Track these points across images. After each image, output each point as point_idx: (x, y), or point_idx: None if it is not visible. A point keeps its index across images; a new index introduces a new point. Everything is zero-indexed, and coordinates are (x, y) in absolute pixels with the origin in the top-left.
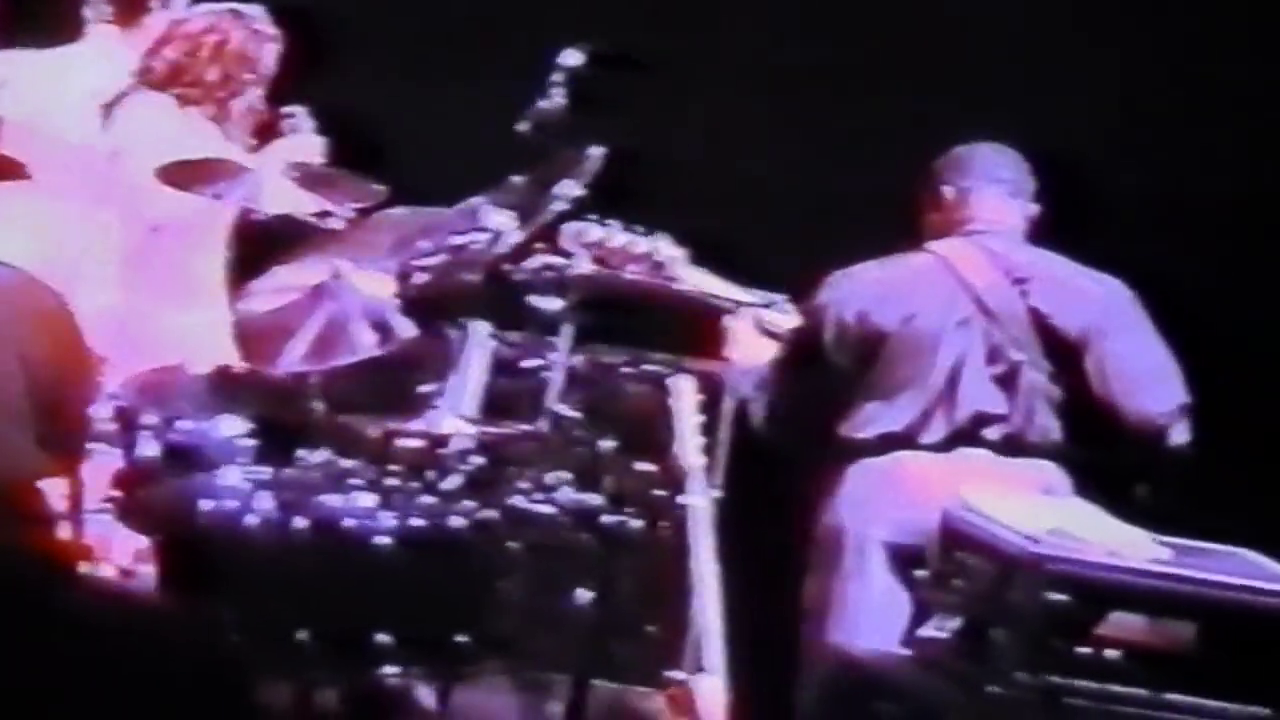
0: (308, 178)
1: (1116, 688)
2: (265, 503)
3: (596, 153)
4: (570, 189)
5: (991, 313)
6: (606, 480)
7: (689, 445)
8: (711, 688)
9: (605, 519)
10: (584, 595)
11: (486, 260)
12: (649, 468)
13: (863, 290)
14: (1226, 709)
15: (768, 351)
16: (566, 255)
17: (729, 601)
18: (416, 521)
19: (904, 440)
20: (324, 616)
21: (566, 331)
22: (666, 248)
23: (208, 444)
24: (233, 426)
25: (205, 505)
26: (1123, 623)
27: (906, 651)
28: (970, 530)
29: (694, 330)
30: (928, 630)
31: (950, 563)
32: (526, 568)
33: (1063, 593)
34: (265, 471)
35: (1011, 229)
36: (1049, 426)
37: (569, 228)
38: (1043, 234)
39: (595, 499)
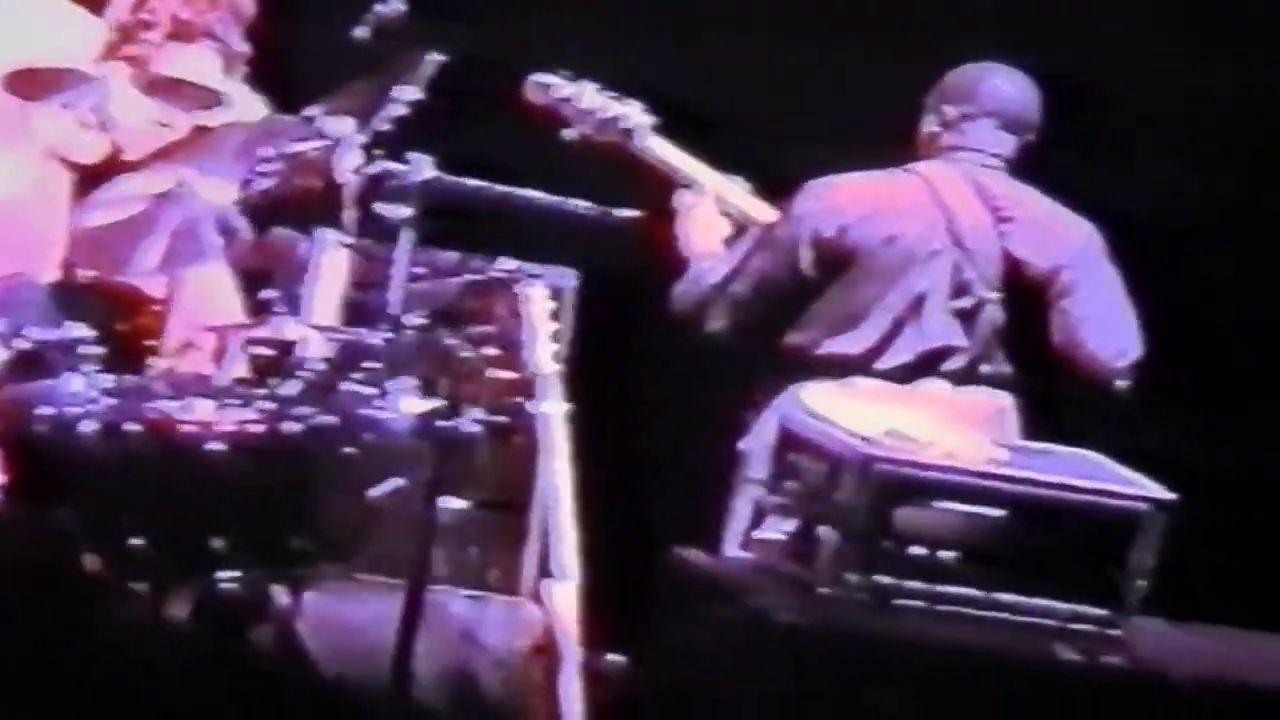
0: (153, 84)
1: (947, 588)
2: (105, 409)
3: (434, 58)
4: (408, 93)
5: (966, 247)
6: (453, 386)
7: (542, 353)
8: (563, 593)
9: (446, 424)
10: (419, 498)
11: (327, 166)
12: (500, 374)
13: (846, 205)
14: (1058, 608)
15: (723, 231)
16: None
17: (581, 508)
18: (254, 427)
19: (860, 364)
20: (160, 522)
21: (408, 238)
22: (636, 115)
23: (53, 351)
24: (78, 333)
25: (45, 411)
26: (956, 523)
27: (740, 553)
28: (804, 432)
29: (544, 237)
30: (763, 533)
31: (786, 465)
32: (363, 472)
33: (893, 493)
34: (108, 379)
35: (1001, 160)
36: (1002, 362)
37: (534, 79)
38: (1037, 161)
39: (436, 404)
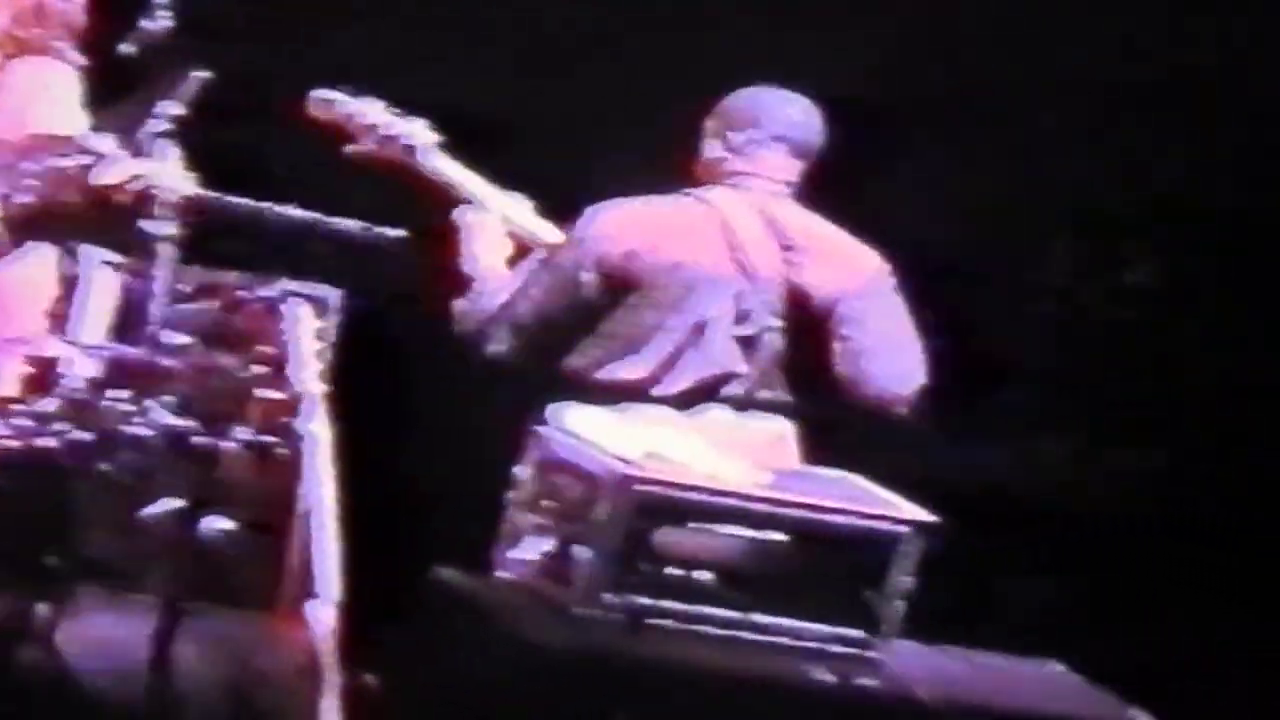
0: None
1: (704, 609)
2: None
3: (199, 75)
4: (170, 109)
5: (751, 274)
6: (213, 404)
7: (306, 372)
8: (325, 613)
9: (204, 442)
10: (176, 517)
11: (89, 182)
12: (268, 394)
13: (631, 230)
14: (814, 629)
15: (506, 251)
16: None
17: (344, 529)
18: (9, 443)
19: (640, 389)
20: None
21: (170, 255)
22: (420, 132)
23: None
24: None
25: None
26: (713, 545)
27: (500, 574)
28: (562, 451)
29: (313, 255)
30: (521, 553)
31: (543, 484)
32: (118, 489)
33: (649, 514)
34: None
35: (785, 187)
36: (783, 389)
37: (316, 94)
38: (820, 186)
39: (193, 423)
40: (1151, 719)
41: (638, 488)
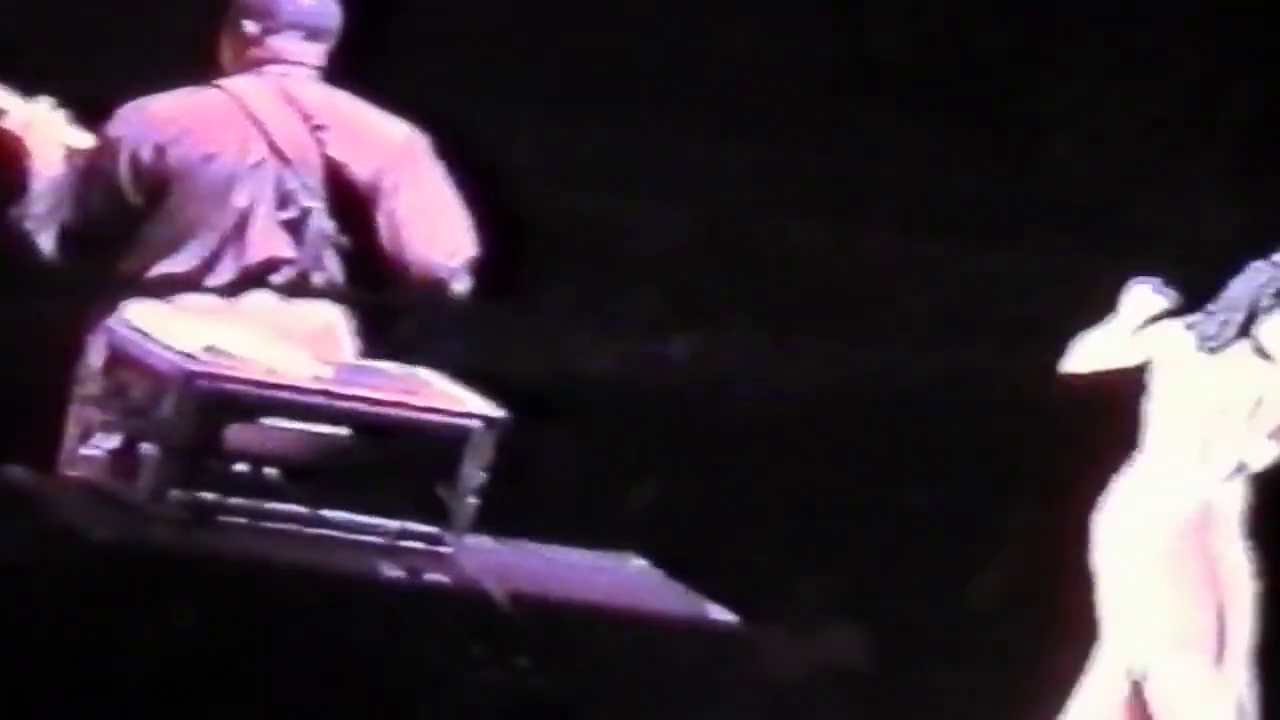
0: None
1: (272, 504)
2: None
3: None
4: None
5: (285, 157)
6: None
7: None
8: None
9: None
10: None
11: None
12: None
13: (159, 126)
14: (385, 525)
15: (56, 163)
16: None
17: None
18: None
19: (188, 283)
20: None
21: None
22: None
23: None
24: None
25: None
26: (281, 440)
27: (68, 472)
28: (128, 348)
29: None
30: (86, 449)
31: (109, 381)
32: None
33: (213, 410)
34: None
35: (308, 70)
36: (335, 272)
37: None
38: (343, 69)
39: None
40: (730, 614)
41: (201, 383)
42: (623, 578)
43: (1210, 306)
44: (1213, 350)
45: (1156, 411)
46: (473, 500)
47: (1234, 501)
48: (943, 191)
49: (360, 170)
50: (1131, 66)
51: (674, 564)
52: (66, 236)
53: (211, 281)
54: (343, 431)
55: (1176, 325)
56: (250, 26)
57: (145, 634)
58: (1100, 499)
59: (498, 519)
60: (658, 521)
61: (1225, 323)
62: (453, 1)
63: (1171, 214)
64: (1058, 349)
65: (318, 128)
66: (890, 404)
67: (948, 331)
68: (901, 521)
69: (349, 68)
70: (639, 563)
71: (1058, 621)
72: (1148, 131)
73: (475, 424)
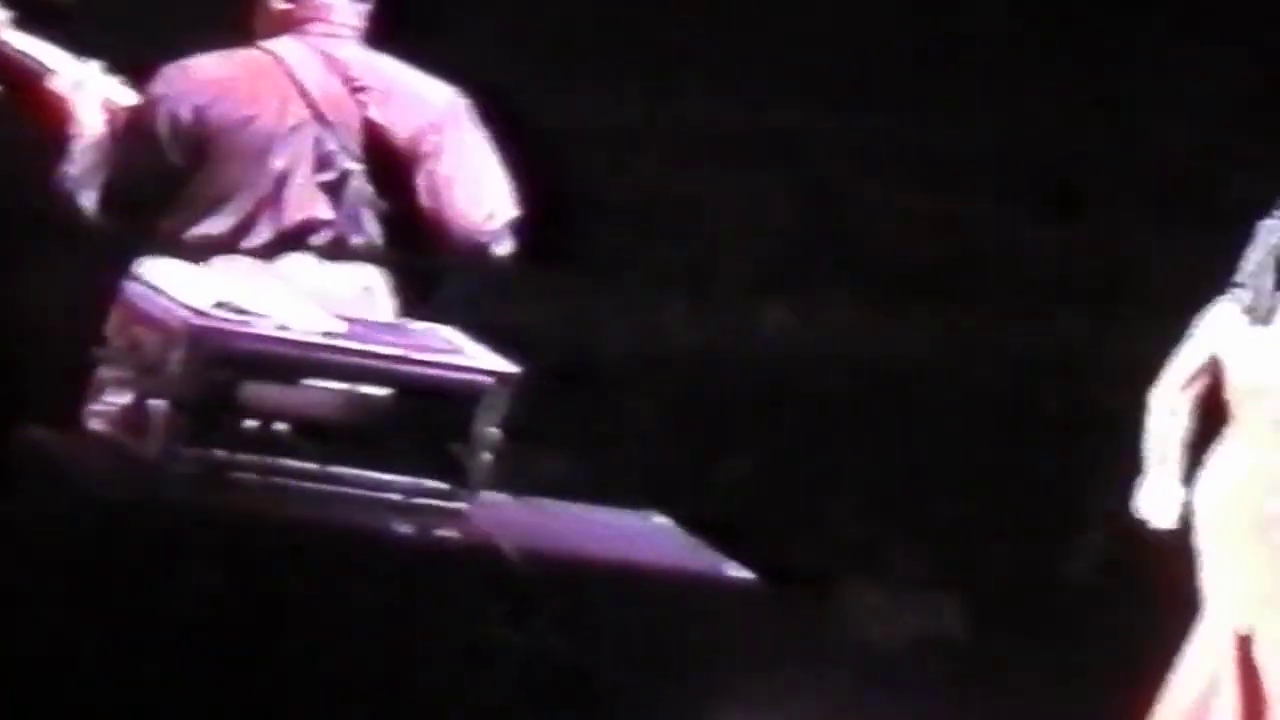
0: None
1: (284, 461)
2: None
3: None
4: None
5: (325, 119)
6: None
7: None
8: None
9: None
10: None
11: None
12: None
13: (199, 87)
14: (398, 482)
15: (93, 118)
16: None
17: None
18: None
19: (226, 245)
20: None
21: None
22: None
23: None
24: None
25: None
26: (294, 397)
27: (85, 429)
28: (140, 303)
29: None
30: (101, 406)
31: (125, 337)
32: None
33: (223, 365)
34: None
35: (349, 31)
36: (373, 234)
37: None
38: (383, 33)
39: None
40: (747, 571)
41: (208, 337)
42: (641, 535)
43: (1237, 278)
44: (1262, 321)
45: (1235, 394)
46: (487, 456)
47: None
48: (1037, 161)
49: (400, 133)
50: (1226, 39)
51: (764, 535)
52: (107, 196)
53: (249, 243)
54: (354, 388)
55: (1224, 309)
56: None
57: (159, 589)
58: (1195, 469)
59: (590, 486)
60: (751, 493)
61: (1259, 291)
62: None
63: (1266, 190)
64: (1156, 321)
65: (358, 90)
66: (987, 375)
67: (1045, 302)
68: (999, 492)
69: (395, 30)
70: (660, 519)
71: (1156, 594)
72: (1240, 104)
73: (488, 380)
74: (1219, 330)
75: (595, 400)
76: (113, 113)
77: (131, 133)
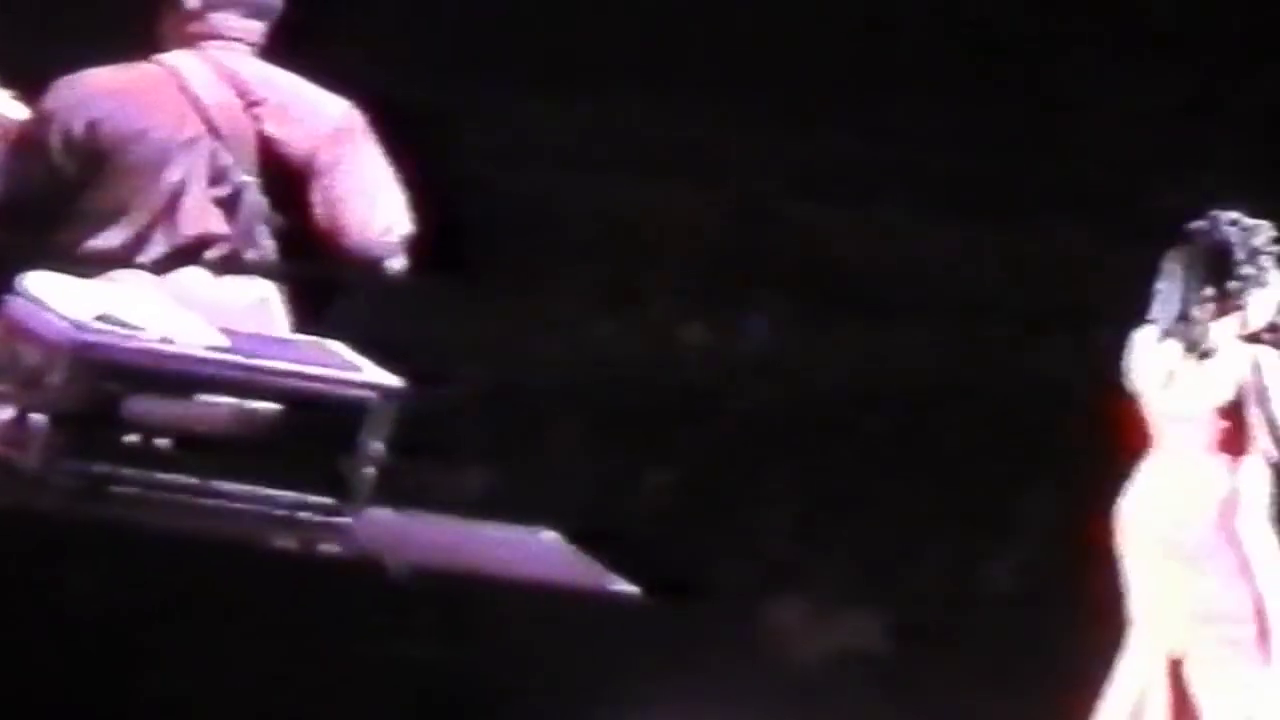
0: None
1: (165, 475)
2: None
3: None
4: None
5: (219, 133)
6: None
7: None
8: None
9: None
10: None
11: None
12: None
13: (93, 100)
14: (281, 496)
15: None
16: None
17: None
18: None
19: (120, 258)
20: None
21: None
22: None
23: None
24: None
25: None
26: (176, 410)
27: None
28: (21, 317)
29: None
30: None
31: (6, 351)
32: None
33: (104, 378)
34: None
35: (247, 46)
36: (268, 248)
37: None
38: (282, 46)
39: None
40: (634, 587)
41: (88, 351)
42: (528, 550)
43: (1152, 310)
44: (1192, 350)
45: (1157, 418)
46: (371, 471)
47: (1259, 488)
48: (966, 175)
49: (295, 146)
50: (1155, 49)
51: (689, 551)
52: (3, 209)
53: (144, 257)
54: (237, 402)
55: (1146, 334)
56: (192, 2)
57: (36, 602)
58: (1121, 486)
59: (508, 502)
60: (673, 508)
61: (1174, 320)
62: None
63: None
64: (1080, 335)
65: (253, 103)
66: (912, 389)
67: (971, 316)
68: (923, 506)
69: (305, 46)
70: (548, 534)
71: (1079, 608)
72: (1172, 116)
73: (371, 395)
74: (1142, 356)
75: (518, 415)
76: (6, 128)
77: (23, 146)
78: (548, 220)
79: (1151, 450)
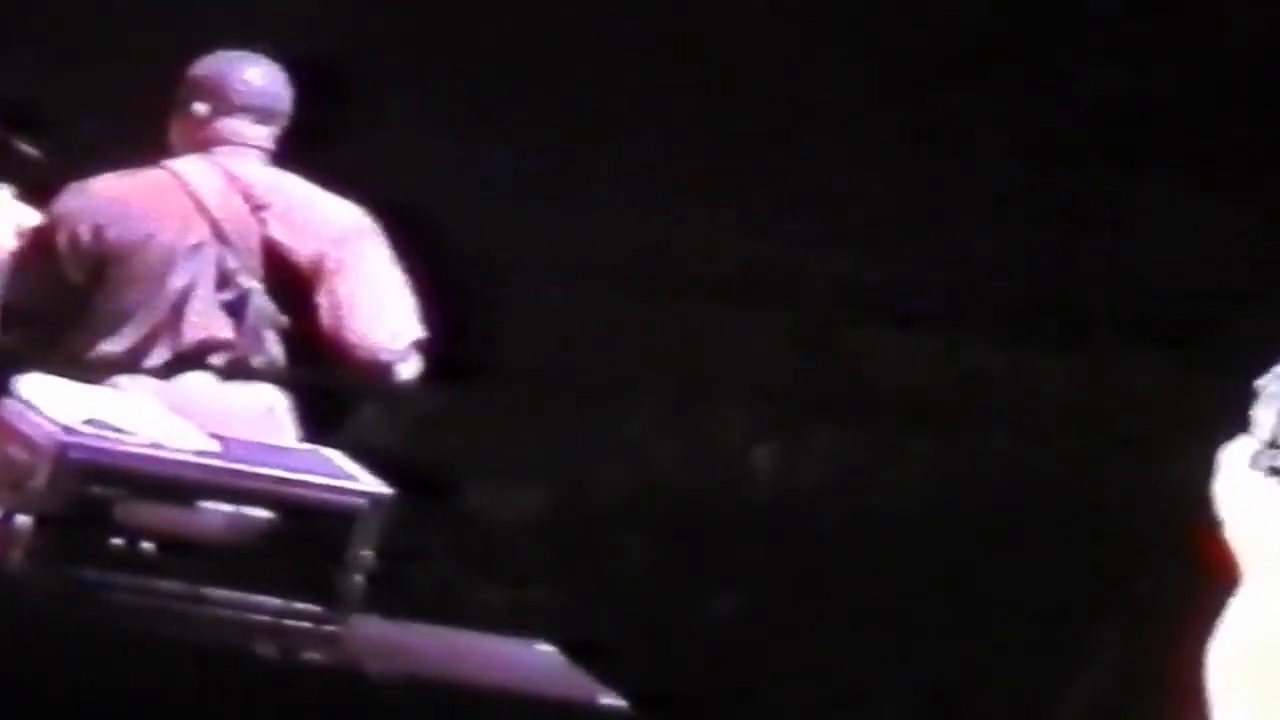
0: None
1: (152, 581)
2: None
3: None
4: None
5: (226, 238)
6: None
7: None
8: None
9: None
10: None
11: None
12: None
13: (99, 205)
14: (269, 603)
15: (7, 241)
16: None
17: None
18: None
19: (126, 364)
20: None
21: None
22: None
23: None
24: None
25: None
26: (166, 516)
27: None
28: (11, 419)
29: None
30: None
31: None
32: None
33: (90, 482)
34: None
35: (255, 151)
36: (276, 354)
37: None
38: (293, 148)
39: None
40: (622, 701)
41: (74, 454)
42: (519, 661)
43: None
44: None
45: (1245, 551)
46: (361, 579)
47: None
48: (1036, 300)
49: (302, 251)
50: (1221, 178)
51: (754, 675)
52: (7, 313)
53: (149, 362)
54: (225, 508)
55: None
56: (201, 108)
57: (18, 706)
58: (1206, 621)
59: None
60: (739, 632)
61: (1262, 452)
62: (432, 83)
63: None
64: (1152, 463)
65: (259, 208)
66: (981, 515)
67: (1042, 441)
68: (990, 634)
69: (317, 150)
70: (543, 647)
71: None
72: (1239, 243)
73: (361, 503)
74: (1230, 482)
75: (583, 534)
76: (21, 235)
77: (31, 251)
78: (614, 339)
79: (1242, 584)
